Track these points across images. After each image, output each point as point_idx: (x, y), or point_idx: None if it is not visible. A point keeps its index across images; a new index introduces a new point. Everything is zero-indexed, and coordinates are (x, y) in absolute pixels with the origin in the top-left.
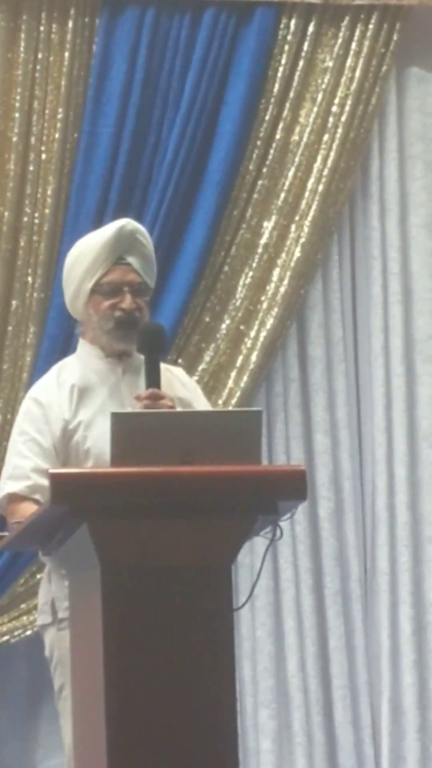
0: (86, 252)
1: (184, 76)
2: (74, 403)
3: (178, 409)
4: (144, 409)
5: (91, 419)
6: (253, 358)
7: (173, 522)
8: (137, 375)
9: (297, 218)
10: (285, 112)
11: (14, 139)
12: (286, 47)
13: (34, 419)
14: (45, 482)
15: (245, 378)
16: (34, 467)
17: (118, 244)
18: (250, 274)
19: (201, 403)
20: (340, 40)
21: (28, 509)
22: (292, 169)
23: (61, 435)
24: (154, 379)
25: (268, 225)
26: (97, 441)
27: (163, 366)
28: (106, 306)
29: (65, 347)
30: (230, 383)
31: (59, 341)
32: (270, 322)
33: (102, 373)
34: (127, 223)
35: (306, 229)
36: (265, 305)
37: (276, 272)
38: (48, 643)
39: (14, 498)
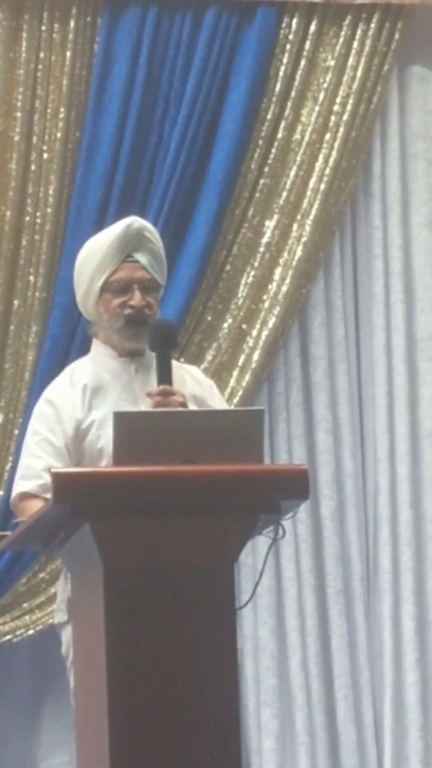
0: (95, 251)
1: (186, 75)
2: (87, 403)
3: (191, 405)
4: (152, 407)
5: (104, 418)
6: (255, 357)
7: (175, 521)
8: (150, 373)
9: (299, 217)
10: (287, 111)
11: (16, 138)
12: (288, 46)
13: (46, 419)
14: None
15: (247, 377)
16: (46, 466)
17: (125, 241)
18: (252, 273)
19: (216, 400)
20: (341, 39)
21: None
22: (294, 168)
23: (73, 435)
24: (165, 375)
25: (269, 224)
26: (111, 440)
27: (176, 364)
28: (116, 304)
29: (67, 346)
30: (232, 382)
31: (61, 340)
32: (272, 321)
33: (115, 373)
34: (134, 220)
35: (308, 228)
36: (267, 304)
37: (278, 271)
38: (65, 640)
39: (26, 497)
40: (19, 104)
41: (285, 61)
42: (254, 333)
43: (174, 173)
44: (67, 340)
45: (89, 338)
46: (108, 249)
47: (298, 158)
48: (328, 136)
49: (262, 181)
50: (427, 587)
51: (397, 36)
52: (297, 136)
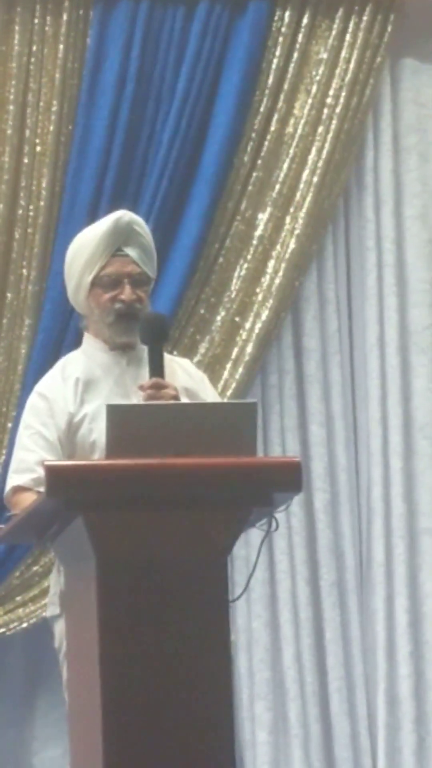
0: (84, 245)
1: (179, 68)
2: (79, 397)
3: (183, 398)
4: (144, 400)
5: (96, 412)
6: (248, 349)
7: (168, 514)
8: (142, 366)
9: (292, 210)
10: (279, 104)
11: (9, 131)
12: (280, 39)
13: (39, 413)
14: None
15: (240, 370)
16: (39, 460)
17: (115, 235)
18: (245, 266)
19: (208, 393)
20: (334, 32)
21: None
22: (287, 161)
23: (66, 428)
24: (157, 368)
25: (262, 217)
26: (103, 433)
27: (168, 357)
28: (106, 298)
29: (60, 339)
30: (225, 375)
31: (54, 334)
32: (265, 314)
33: (106, 366)
34: (123, 214)
35: (301, 221)
36: (260, 297)
37: (271, 264)
38: (57, 634)
39: (19, 491)
40: (11, 97)
41: (277, 54)
42: (247, 326)
43: (166, 166)
44: (60, 333)
45: (82, 331)
46: (98, 243)
47: (291, 151)
48: (320, 128)
49: (254, 174)
50: (420, 580)
51: (389, 29)
52: (290, 129)
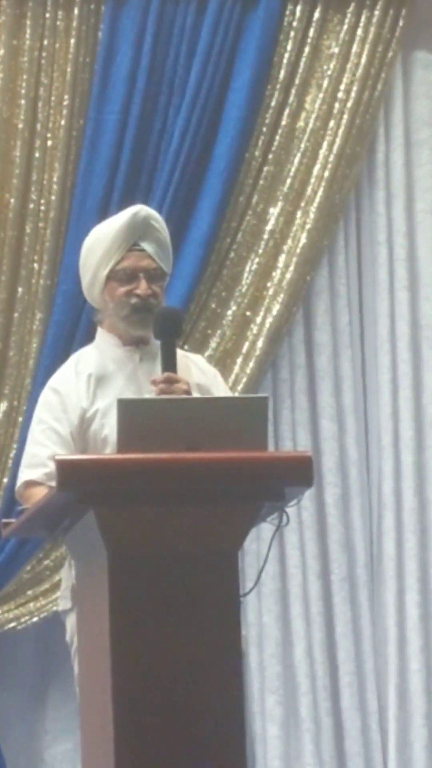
0: (101, 239)
1: (190, 62)
2: (92, 392)
3: (195, 394)
4: (156, 395)
5: (109, 407)
6: (260, 344)
7: (179, 508)
8: (155, 362)
9: (303, 204)
10: (291, 99)
11: (20, 125)
12: (292, 33)
13: (51, 408)
14: None
15: (251, 364)
16: (51, 455)
17: (132, 230)
18: (256, 260)
19: (221, 389)
20: (345, 27)
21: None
22: (298, 156)
23: (78, 423)
24: (169, 363)
25: (274, 211)
26: (115, 429)
27: (181, 353)
28: (121, 292)
29: (71, 334)
30: (236, 369)
31: (65, 328)
32: (276, 309)
33: (119, 361)
34: (140, 209)
35: (312, 216)
36: (271, 291)
37: (282, 258)
38: (69, 628)
39: (31, 485)
40: (23, 92)
41: (289, 48)
42: (258, 320)
43: (178, 161)
44: (71, 328)
45: (93, 325)
46: (114, 237)
47: (302, 145)
48: (332, 123)
49: (266, 168)
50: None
51: (401, 23)
52: (301, 124)
